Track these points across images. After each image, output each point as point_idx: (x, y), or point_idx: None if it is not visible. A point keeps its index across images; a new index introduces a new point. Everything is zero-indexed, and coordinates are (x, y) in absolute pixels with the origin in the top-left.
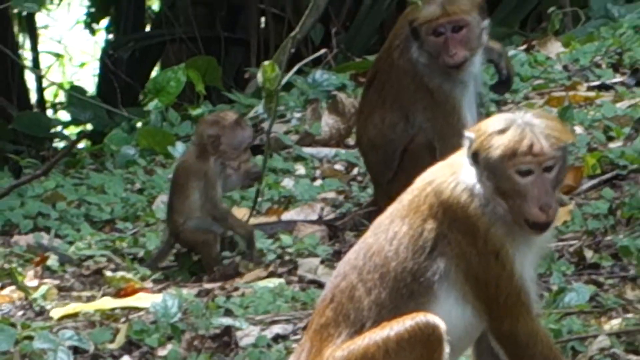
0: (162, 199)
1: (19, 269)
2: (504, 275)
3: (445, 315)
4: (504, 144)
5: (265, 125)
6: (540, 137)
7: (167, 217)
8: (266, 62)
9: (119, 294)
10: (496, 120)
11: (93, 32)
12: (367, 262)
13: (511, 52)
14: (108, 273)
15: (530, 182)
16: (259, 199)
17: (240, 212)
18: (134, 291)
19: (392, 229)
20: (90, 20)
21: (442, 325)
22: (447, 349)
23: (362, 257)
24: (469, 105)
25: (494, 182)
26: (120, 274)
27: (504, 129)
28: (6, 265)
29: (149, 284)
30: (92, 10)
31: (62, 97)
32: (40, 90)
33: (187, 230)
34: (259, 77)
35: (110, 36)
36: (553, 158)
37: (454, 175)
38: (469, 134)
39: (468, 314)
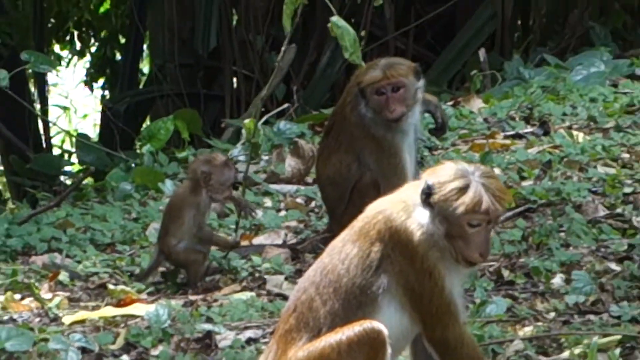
0: (154, 226)
1: (36, 284)
2: (436, 290)
3: (387, 322)
4: (465, 204)
5: (239, 165)
6: (494, 199)
7: (159, 239)
8: (247, 120)
9: (119, 304)
10: (452, 174)
11: (92, 89)
12: (323, 279)
13: (443, 106)
14: (111, 286)
15: (477, 232)
16: (233, 227)
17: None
18: (132, 302)
19: (345, 251)
20: (90, 80)
21: (384, 330)
22: (389, 350)
23: (319, 275)
24: (409, 150)
25: (445, 226)
26: (120, 287)
27: (463, 187)
28: (25, 280)
29: (143, 296)
30: (91, 71)
31: (68, 142)
32: (48, 136)
33: (179, 251)
34: (243, 132)
35: (106, 92)
36: (499, 216)
37: (405, 209)
38: (428, 181)
39: (405, 320)
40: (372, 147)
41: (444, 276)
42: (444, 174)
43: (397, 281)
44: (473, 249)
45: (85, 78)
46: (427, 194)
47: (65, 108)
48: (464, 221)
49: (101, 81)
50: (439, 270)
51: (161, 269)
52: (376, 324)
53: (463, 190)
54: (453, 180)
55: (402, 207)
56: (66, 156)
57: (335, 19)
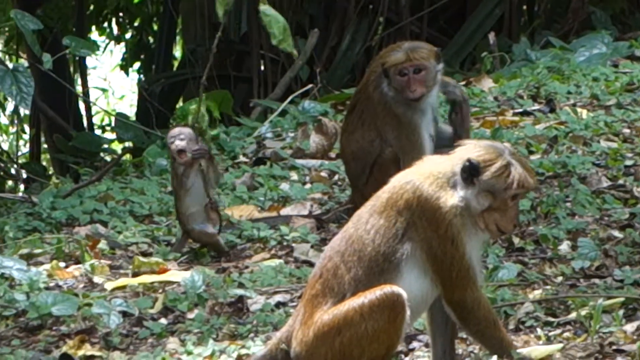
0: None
1: (79, 252)
2: (457, 256)
3: (407, 287)
4: (516, 180)
5: (266, 142)
6: (530, 175)
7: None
8: (192, 106)
9: (156, 272)
10: (493, 153)
11: (127, 72)
12: (348, 248)
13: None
14: (142, 258)
15: (514, 205)
16: (262, 199)
17: (248, 209)
18: (166, 270)
19: (371, 222)
20: (125, 64)
21: (403, 293)
22: (408, 312)
23: (344, 244)
24: (427, 127)
25: (490, 201)
26: (154, 259)
27: (507, 165)
28: (69, 250)
29: (175, 265)
30: (127, 56)
31: (106, 121)
32: (89, 116)
33: (196, 233)
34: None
35: (141, 76)
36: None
37: (435, 181)
38: (472, 160)
39: (426, 285)
40: (393, 124)
41: (465, 243)
42: (484, 153)
43: (421, 247)
44: (508, 220)
45: (121, 62)
46: (472, 172)
47: (103, 90)
48: (508, 196)
49: (136, 65)
50: (461, 237)
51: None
52: (396, 288)
53: (508, 167)
54: (497, 158)
55: (432, 179)
56: (106, 134)
57: (264, 7)
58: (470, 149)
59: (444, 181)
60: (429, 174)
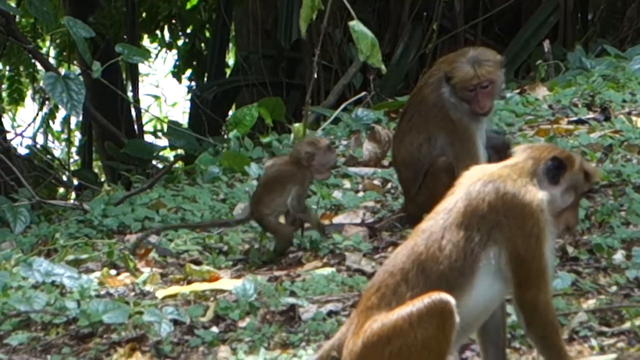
0: (240, 206)
1: (131, 258)
2: (538, 254)
3: (475, 297)
4: (594, 173)
5: None
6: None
7: (251, 203)
8: (296, 125)
9: (207, 279)
10: (564, 149)
11: (180, 80)
12: (415, 267)
13: (508, 95)
14: (193, 267)
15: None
16: (315, 207)
17: None
18: (217, 278)
19: (447, 237)
20: (178, 71)
21: (452, 300)
22: (457, 319)
23: (411, 263)
24: (481, 135)
25: (573, 197)
26: (205, 267)
27: (582, 159)
28: (120, 258)
29: (226, 273)
30: (179, 63)
31: (158, 129)
32: (140, 123)
33: (272, 220)
34: (293, 135)
35: (193, 83)
36: None
37: (517, 180)
38: (560, 157)
39: (496, 290)
40: (447, 129)
41: (547, 242)
42: (560, 151)
43: (505, 248)
44: (576, 217)
45: (173, 69)
46: (559, 170)
47: (156, 97)
48: (583, 191)
49: (188, 72)
50: (545, 235)
51: (246, 246)
52: (444, 295)
53: (584, 162)
54: (573, 155)
55: (513, 179)
56: (158, 142)
57: (353, 23)
58: (539, 150)
59: (527, 180)
60: (507, 176)
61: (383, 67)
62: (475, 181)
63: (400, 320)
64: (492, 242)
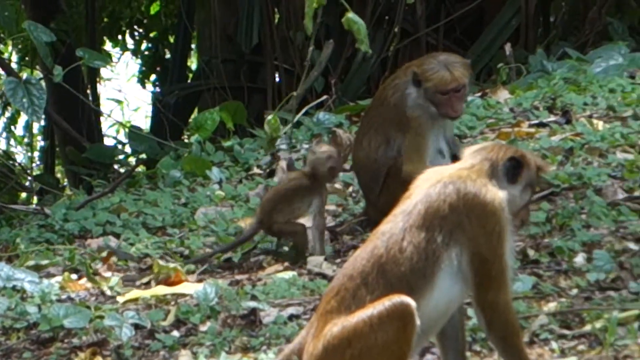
0: (202, 210)
1: (92, 265)
2: (499, 253)
3: (436, 299)
4: (549, 168)
5: (281, 154)
6: None
7: (263, 212)
8: (269, 117)
9: (168, 283)
10: (521, 149)
11: (144, 85)
12: (374, 270)
13: (470, 98)
14: (161, 262)
15: None
16: None
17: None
18: (181, 281)
19: (408, 238)
20: (142, 76)
21: (412, 303)
22: (418, 322)
23: (370, 266)
24: (437, 139)
25: (529, 195)
26: (171, 264)
27: (534, 156)
28: (81, 262)
29: (192, 277)
30: (143, 69)
31: (121, 133)
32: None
33: (282, 224)
34: (266, 127)
35: (157, 88)
36: None
37: (477, 180)
38: (517, 157)
39: (456, 292)
40: (404, 130)
41: (508, 241)
42: (513, 150)
43: (467, 247)
44: (528, 212)
45: (138, 75)
46: (516, 170)
47: (118, 101)
48: (535, 187)
49: (152, 77)
50: (506, 234)
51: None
52: (405, 298)
53: (535, 157)
54: (526, 153)
55: (472, 179)
56: (120, 146)
57: (351, 15)
58: (493, 151)
59: (487, 181)
60: (466, 177)
61: (370, 49)
62: (434, 183)
63: (361, 323)
64: (454, 242)
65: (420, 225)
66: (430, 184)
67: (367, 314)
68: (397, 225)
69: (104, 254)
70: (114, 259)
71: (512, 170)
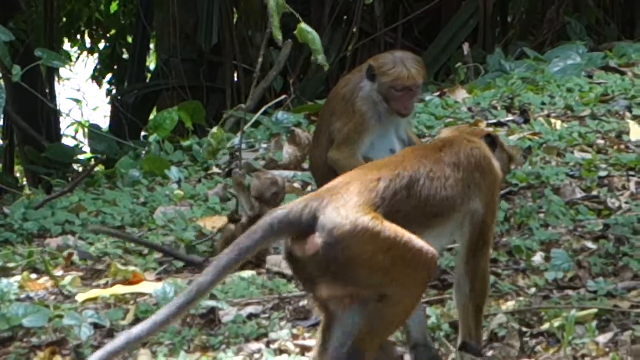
0: (160, 210)
1: (51, 263)
2: (493, 219)
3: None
4: (515, 155)
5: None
6: None
7: None
8: (214, 129)
9: (127, 282)
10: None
11: (100, 84)
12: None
13: (428, 97)
14: (119, 266)
15: None
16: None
17: (221, 220)
18: (140, 280)
19: (441, 176)
20: (98, 75)
21: (437, 254)
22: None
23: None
24: (384, 137)
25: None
26: (130, 267)
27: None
28: (40, 261)
29: (151, 275)
30: (99, 67)
31: (80, 132)
32: (58, 127)
33: None
34: (209, 137)
35: (113, 87)
36: None
37: (479, 147)
38: (493, 136)
39: (442, 243)
40: (347, 116)
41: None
42: (485, 131)
43: (478, 207)
44: None
45: (93, 73)
46: (492, 147)
47: (77, 101)
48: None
49: (109, 76)
50: (498, 199)
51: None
52: (434, 251)
53: (511, 148)
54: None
55: (477, 145)
56: (79, 145)
57: (303, 25)
58: (468, 132)
59: (484, 146)
60: (471, 140)
61: (326, 64)
62: (459, 142)
63: (400, 244)
64: (472, 198)
65: (449, 174)
66: (455, 143)
67: (409, 239)
68: (428, 164)
69: (65, 253)
70: (75, 257)
71: (489, 146)
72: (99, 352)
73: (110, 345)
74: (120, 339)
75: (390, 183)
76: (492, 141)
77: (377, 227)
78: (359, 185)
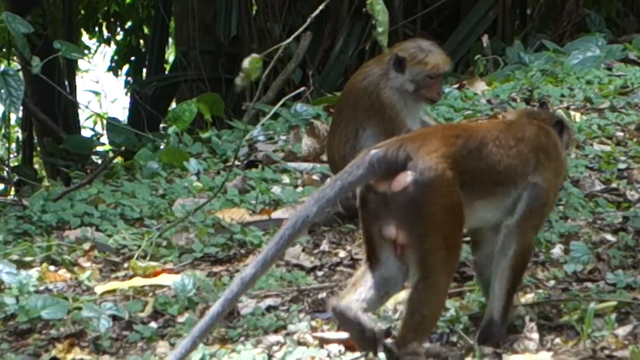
0: (179, 202)
1: (70, 256)
2: (552, 201)
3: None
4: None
5: (258, 145)
6: None
7: None
8: (256, 55)
9: (146, 274)
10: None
11: (117, 75)
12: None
13: (447, 89)
14: (139, 263)
15: None
16: (254, 202)
17: (240, 212)
18: (159, 272)
19: (509, 144)
20: (115, 67)
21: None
22: None
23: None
24: (414, 120)
25: None
26: (148, 263)
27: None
28: (59, 254)
29: (170, 266)
30: (116, 58)
31: (99, 125)
32: (77, 119)
33: None
34: (246, 62)
35: (130, 78)
36: None
37: (549, 133)
38: (562, 121)
39: (499, 216)
40: (376, 114)
41: None
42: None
43: (538, 181)
44: None
45: (111, 65)
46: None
47: (96, 93)
48: None
49: (126, 68)
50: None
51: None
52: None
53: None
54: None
55: (547, 130)
56: (97, 137)
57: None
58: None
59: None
60: (540, 128)
61: (387, 47)
62: (530, 123)
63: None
64: (530, 175)
65: (513, 144)
66: (527, 122)
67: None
68: (494, 131)
69: (86, 246)
70: (95, 250)
71: (558, 133)
72: (220, 301)
73: (228, 291)
74: (235, 283)
75: (466, 142)
76: (561, 128)
77: (455, 188)
78: (442, 139)
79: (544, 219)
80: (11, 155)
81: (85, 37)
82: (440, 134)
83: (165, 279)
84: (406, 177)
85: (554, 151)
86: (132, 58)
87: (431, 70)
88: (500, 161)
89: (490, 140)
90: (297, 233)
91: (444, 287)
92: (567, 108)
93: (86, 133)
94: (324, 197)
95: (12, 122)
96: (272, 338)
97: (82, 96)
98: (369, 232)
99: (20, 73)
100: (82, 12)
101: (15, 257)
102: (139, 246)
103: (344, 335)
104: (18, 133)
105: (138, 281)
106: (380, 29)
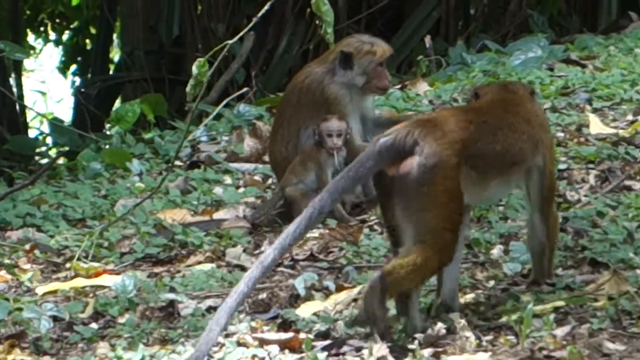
0: (122, 203)
1: (12, 257)
2: (553, 170)
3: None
4: None
5: (201, 146)
6: None
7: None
8: (201, 59)
9: (87, 275)
10: None
11: (65, 75)
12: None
13: (389, 90)
14: (80, 263)
15: None
16: (196, 203)
17: (182, 213)
18: (99, 273)
19: (510, 124)
20: (63, 66)
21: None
22: None
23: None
24: (354, 121)
25: None
26: (89, 264)
27: None
28: (1, 255)
29: (110, 267)
30: (64, 59)
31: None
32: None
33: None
34: (194, 69)
35: (77, 78)
36: None
37: (541, 107)
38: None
39: (501, 193)
40: (318, 107)
41: None
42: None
43: (540, 161)
44: None
45: (58, 65)
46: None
47: (42, 93)
48: None
49: (73, 68)
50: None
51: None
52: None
53: None
54: None
55: (539, 105)
56: (41, 138)
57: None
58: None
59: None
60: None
61: (333, 43)
62: (528, 99)
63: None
64: (537, 153)
65: (524, 127)
66: (527, 99)
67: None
68: (506, 114)
69: (27, 246)
70: (36, 251)
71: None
72: (244, 281)
73: (248, 274)
74: (255, 266)
75: (478, 127)
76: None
77: (457, 174)
78: (454, 125)
79: (555, 189)
80: None
81: (31, 37)
82: (454, 119)
83: (106, 280)
84: (412, 161)
85: (547, 125)
86: (79, 58)
87: (380, 57)
88: (515, 144)
89: (504, 126)
90: (312, 224)
91: (431, 266)
92: None
93: (34, 133)
94: (338, 190)
95: None
96: None
97: (28, 96)
98: (388, 219)
99: None
100: (27, 12)
101: None
102: (81, 247)
103: (284, 335)
104: None
105: (79, 282)
106: (329, 30)
